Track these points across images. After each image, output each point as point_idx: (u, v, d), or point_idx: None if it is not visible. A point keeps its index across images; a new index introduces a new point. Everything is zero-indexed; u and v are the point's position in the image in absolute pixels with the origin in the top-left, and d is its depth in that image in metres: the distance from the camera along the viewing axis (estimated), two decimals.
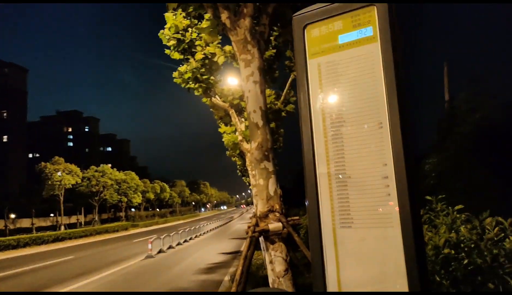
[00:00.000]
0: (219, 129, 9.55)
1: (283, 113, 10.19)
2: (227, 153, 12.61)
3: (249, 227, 3.47)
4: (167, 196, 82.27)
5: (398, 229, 1.12)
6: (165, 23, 6.51)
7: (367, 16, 1.27)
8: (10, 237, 27.56)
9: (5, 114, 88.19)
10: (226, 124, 9.31)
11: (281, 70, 9.35)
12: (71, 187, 45.66)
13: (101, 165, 53.80)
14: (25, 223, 50.24)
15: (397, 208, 1.13)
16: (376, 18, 1.25)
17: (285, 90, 9.79)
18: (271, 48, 7.67)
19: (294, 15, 1.38)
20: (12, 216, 45.52)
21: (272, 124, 9.36)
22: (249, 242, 3.40)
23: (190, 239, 25.47)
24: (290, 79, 9.41)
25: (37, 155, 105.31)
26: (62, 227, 44.44)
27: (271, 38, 7.09)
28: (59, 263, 16.84)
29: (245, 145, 6.34)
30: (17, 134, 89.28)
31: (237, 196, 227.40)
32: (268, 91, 9.19)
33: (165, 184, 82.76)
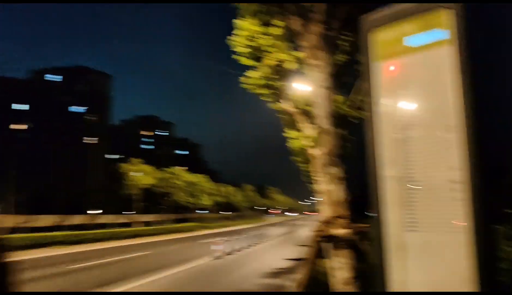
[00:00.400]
0: (285, 135, 9.59)
1: (352, 119, 9.98)
2: (293, 158, 12.60)
3: (314, 232, 3.47)
4: (235, 200, 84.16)
5: (465, 235, 1.09)
6: (235, 29, 6.72)
7: (441, 18, 1.22)
8: (92, 231, 29.98)
9: (91, 117, 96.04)
10: (293, 130, 9.34)
11: (352, 75, 9.20)
12: (146, 186, 48.47)
13: (174, 167, 56.55)
14: (105, 219, 54.25)
15: (464, 213, 1.10)
16: (452, 20, 1.20)
17: (355, 96, 9.60)
18: (341, 53, 7.59)
19: (361, 18, 1.39)
20: (94, 212, 49.32)
21: (341, 131, 9.21)
22: (313, 247, 3.40)
23: (256, 243, 25.77)
24: (359, 84, 9.20)
25: (117, 156, 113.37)
26: (137, 225, 47.27)
27: (342, 42, 7.02)
28: (137, 257, 17.95)
29: (312, 151, 6.33)
30: (101, 137, 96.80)
31: (304, 201, 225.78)
32: (337, 97, 9.08)
33: (233, 188, 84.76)
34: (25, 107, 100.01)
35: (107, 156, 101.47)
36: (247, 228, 46.42)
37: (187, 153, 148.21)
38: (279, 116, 9.81)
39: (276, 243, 26.99)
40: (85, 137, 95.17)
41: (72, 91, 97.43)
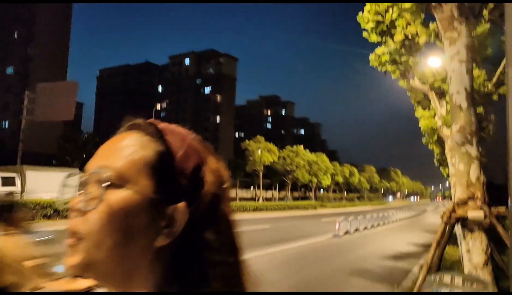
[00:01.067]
0: (416, 114, 9.08)
1: (494, 97, 8.96)
2: (423, 140, 11.86)
3: (444, 213, 3.35)
4: (355, 181, 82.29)
5: None
6: (363, 6, 6.57)
7: None
8: None
9: (218, 97, 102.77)
10: (424, 109, 8.79)
11: (496, 47, 8.23)
12: (268, 164, 50.46)
13: (295, 146, 57.60)
14: (231, 193, 58.29)
15: None
16: None
17: (498, 70, 8.58)
18: (483, 23, 6.85)
19: None
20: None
21: (480, 109, 8.37)
22: (443, 228, 3.29)
23: (378, 225, 25.08)
24: (502, 57, 8.17)
25: (242, 134, 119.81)
26: (260, 199, 49.78)
27: (484, 12, 6.34)
28: (260, 229, 19.09)
29: (445, 131, 5.93)
30: (227, 116, 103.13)
31: (433, 187, 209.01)
32: (477, 71, 8.25)
33: (354, 168, 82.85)
34: (161, 89, 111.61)
35: (233, 134, 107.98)
36: (368, 210, 45.23)
37: (302, 132, 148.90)
38: (408, 95, 9.34)
39: (398, 227, 25.87)
40: (214, 116, 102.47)
41: (202, 74, 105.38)
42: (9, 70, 66.23)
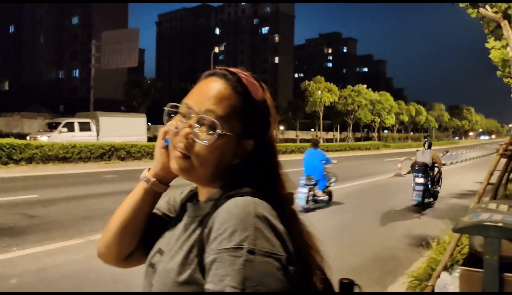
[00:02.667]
0: (486, 45, 8.35)
1: None
2: (498, 73, 10.97)
3: (500, 145, 3.25)
4: (422, 119, 78.54)
5: None
6: None
7: None
8: (280, 144, 33.03)
9: (276, 37, 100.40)
10: (496, 40, 8.05)
11: None
12: (329, 104, 49.53)
13: (357, 85, 55.64)
14: (291, 134, 58.54)
15: None
16: None
17: None
18: None
19: None
20: (281, 127, 53.67)
21: None
22: (497, 160, 3.20)
23: (444, 164, 24.22)
24: None
25: (301, 75, 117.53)
26: (321, 141, 49.68)
27: None
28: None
29: None
30: (286, 56, 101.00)
31: (510, 125, 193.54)
32: None
33: (421, 107, 78.80)
34: (219, 31, 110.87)
35: (292, 75, 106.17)
36: (435, 149, 43.45)
37: (365, 70, 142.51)
38: (480, 24, 8.57)
39: (468, 166, 24.78)
40: (273, 57, 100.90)
41: (258, 14, 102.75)
42: (75, 20, 69.20)
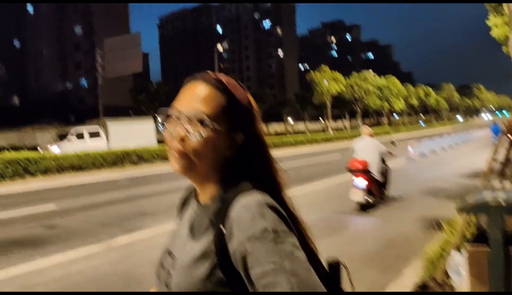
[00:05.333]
0: (487, 22, 8.32)
1: None
2: (504, 48, 10.88)
3: (504, 124, 3.29)
4: (432, 101, 77.71)
5: None
6: None
7: None
8: (290, 137, 33.08)
9: (279, 30, 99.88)
10: (496, 16, 8.01)
11: None
12: (336, 93, 49.27)
13: (362, 71, 55.22)
14: (300, 126, 58.38)
15: None
16: None
17: None
18: None
19: None
20: (290, 120, 53.61)
21: None
22: (502, 138, 3.25)
23: (457, 145, 24.02)
24: None
25: (307, 66, 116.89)
26: (330, 130, 49.46)
27: None
28: (330, 159, 19.35)
29: None
30: (290, 48, 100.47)
31: None
32: None
33: (429, 89, 77.96)
34: (221, 29, 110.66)
35: (298, 67, 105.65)
36: (445, 131, 43.05)
37: (371, 55, 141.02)
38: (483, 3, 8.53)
39: (479, 147, 24.53)
40: (277, 50, 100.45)
41: (259, 7, 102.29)
42: (77, 29, 69.67)
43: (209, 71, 0.92)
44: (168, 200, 8.96)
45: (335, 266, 0.92)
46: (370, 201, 7.66)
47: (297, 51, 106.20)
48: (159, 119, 0.92)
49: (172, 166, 0.87)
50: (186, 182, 0.95)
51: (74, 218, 8.05)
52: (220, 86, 0.87)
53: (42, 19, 73.23)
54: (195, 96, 0.87)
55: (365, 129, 8.26)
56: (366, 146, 7.85)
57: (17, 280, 4.65)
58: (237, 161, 0.88)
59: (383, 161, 8.06)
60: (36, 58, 75.62)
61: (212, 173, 0.88)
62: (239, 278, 0.76)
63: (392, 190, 8.82)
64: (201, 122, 0.84)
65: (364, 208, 7.58)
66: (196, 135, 0.84)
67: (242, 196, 0.80)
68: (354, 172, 7.59)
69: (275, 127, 55.42)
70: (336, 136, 36.28)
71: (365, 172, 7.50)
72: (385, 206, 8.15)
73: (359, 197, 7.47)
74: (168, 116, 0.89)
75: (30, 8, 76.26)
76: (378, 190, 7.86)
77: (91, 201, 9.99)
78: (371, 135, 8.12)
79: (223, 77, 0.90)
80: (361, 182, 7.43)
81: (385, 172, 8.13)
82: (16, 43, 79.74)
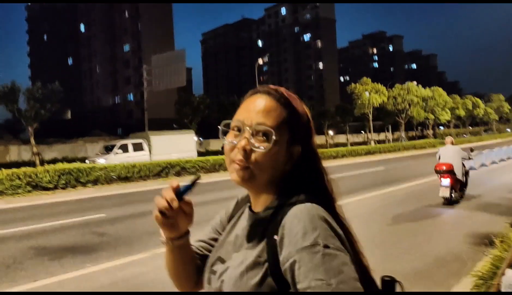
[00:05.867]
0: None
1: None
2: None
3: None
4: (480, 112, 74.18)
5: None
6: None
7: None
8: (331, 149, 32.68)
9: (319, 43, 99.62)
10: None
11: None
12: (378, 105, 48.25)
13: (406, 83, 53.81)
14: (341, 138, 57.52)
15: None
16: None
17: None
18: None
19: None
20: (330, 132, 52.98)
21: None
22: None
23: (508, 158, 22.76)
24: None
25: (347, 78, 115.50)
26: (372, 142, 48.39)
27: None
28: (372, 172, 18.93)
29: None
30: (330, 60, 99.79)
31: None
32: None
33: (478, 99, 74.49)
34: (261, 43, 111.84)
35: (338, 79, 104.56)
36: (498, 142, 40.91)
37: (414, 66, 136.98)
38: None
39: None
40: (317, 63, 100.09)
41: (299, 21, 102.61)
42: (126, 47, 73.07)
43: (271, 85, 0.93)
44: (208, 210, 9.10)
45: (389, 283, 0.90)
46: (453, 197, 9.32)
47: (337, 63, 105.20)
48: (221, 131, 0.92)
49: (232, 177, 0.87)
50: (232, 192, 0.99)
51: (122, 226, 8.36)
52: (281, 100, 0.88)
53: (94, 38, 77.47)
54: (258, 109, 0.87)
55: (448, 139, 10.08)
56: (450, 152, 9.53)
57: (67, 285, 4.89)
58: (293, 173, 0.89)
59: (463, 165, 9.62)
60: (89, 74, 79.99)
61: (269, 184, 0.89)
62: (289, 286, 0.76)
63: (439, 205, 8.47)
64: (265, 135, 0.85)
65: (450, 202, 9.21)
66: (260, 148, 0.84)
67: (296, 207, 0.80)
68: (441, 173, 9.15)
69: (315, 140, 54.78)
70: (379, 148, 35.41)
71: (450, 173, 9.04)
72: (433, 221, 7.86)
73: (446, 193, 9.06)
74: (231, 128, 0.90)
75: (82, 27, 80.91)
76: (459, 188, 9.61)
77: (138, 210, 10.32)
78: (453, 143, 9.90)
79: (284, 91, 0.92)
80: (447, 182, 9.02)
81: (465, 174, 9.80)
82: (70, 61, 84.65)
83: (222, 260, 0.92)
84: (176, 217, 0.89)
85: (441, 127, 71.34)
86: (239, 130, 0.88)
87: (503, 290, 3.37)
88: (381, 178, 15.92)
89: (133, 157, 21.84)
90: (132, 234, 7.55)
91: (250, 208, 0.95)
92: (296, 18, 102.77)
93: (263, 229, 0.85)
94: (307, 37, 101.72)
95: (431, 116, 56.52)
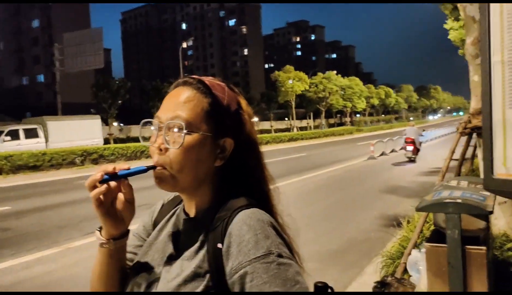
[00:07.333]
0: (445, 26, 8.64)
1: None
2: (460, 52, 11.34)
3: (460, 124, 3.41)
4: (392, 102, 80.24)
5: None
6: None
7: None
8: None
9: (244, 29, 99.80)
10: (454, 20, 8.32)
11: None
12: (300, 93, 49.85)
13: (327, 72, 56.22)
14: (266, 125, 58.67)
15: None
16: None
17: None
18: None
19: None
20: (256, 119, 53.77)
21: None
22: (458, 138, 3.36)
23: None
24: None
25: (272, 65, 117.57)
26: (295, 129, 50.02)
27: None
28: (295, 158, 19.54)
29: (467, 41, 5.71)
30: (255, 47, 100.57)
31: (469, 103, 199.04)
32: None
33: (390, 89, 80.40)
34: (185, 26, 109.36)
35: (263, 66, 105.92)
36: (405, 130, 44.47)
37: (334, 56, 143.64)
38: (439, 8, 8.81)
39: (439, 143, 25.55)
40: (242, 49, 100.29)
41: (224, 6, 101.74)
42: (34, 23, 66.67)
43: (194, 76, 0.83)
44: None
45: (322, 289, 0.86)
46: (413, 157, 15.52)
47: (262, 50, 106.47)
48: (140, 132, 0.85)
49: (154, 181, 0.78)
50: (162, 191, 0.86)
51: (29, 220, 7.68)
52: (202, 88, 0.79)
53: None
54: (175, 102, 0.78)
55: (411, 123, 18.15)
56: (412, 130, 15.78)
57: None
58: (229, 169, 0.80)
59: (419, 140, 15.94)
60: None
61: (200, 184, 0.79)
62: None
63: (353, 190, 8.96)
64: (179, 128, 0.75)
65: (411, 160, 15.46)
66: (173, 143, 0.75)
67: (243, 213, 0.73)
68: (408, 143, 15.43)
69: None
70: (301, 135, 36.65)
71: (413, 143, 15.37)
72: (347, 205, 8.30)
73: (409, 154, 15.46)
74: (151, 127, 0.81)
75: None
76: (416, 152, 15.68)
77: (47, 202, 9.58)
78: (413, 125, 16.71)
79: (207, 79, 0.82)
80: (411, 148, 15.38)
81: (419, 143, 15.94)
82: None
83: (148, 271, 0.81)
84: (118, 205, 0.77)
85: (358, 115, 75.90)
86: (158, 129, 0.78)
87: (408, 268, 3.63)
88: (301, 164, 16.48)
89: (25, 145, 19.15)
90: (40, 228, 6.95)
91: (184, 211, 0.85)
92: (222, 3, 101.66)
93: (205, 236, 0.76)
94: (232, 22, 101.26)
95: (349, 105, 59.85)
